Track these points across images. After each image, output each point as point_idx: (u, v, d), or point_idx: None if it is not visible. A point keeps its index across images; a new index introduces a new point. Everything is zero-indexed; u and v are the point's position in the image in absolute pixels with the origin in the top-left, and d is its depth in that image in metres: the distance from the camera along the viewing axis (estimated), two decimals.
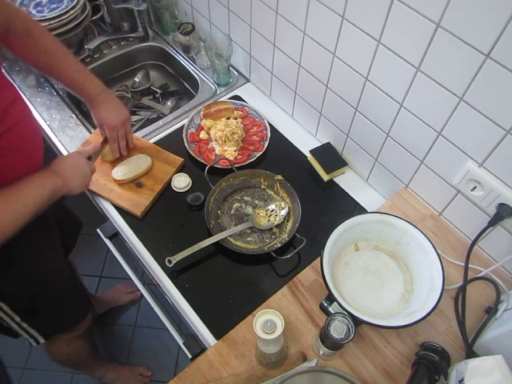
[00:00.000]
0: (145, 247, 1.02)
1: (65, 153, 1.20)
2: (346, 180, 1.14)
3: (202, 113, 1.22)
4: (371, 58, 0.86)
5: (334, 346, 0.75)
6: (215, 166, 1.11)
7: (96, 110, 1.02)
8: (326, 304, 0.86)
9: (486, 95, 0.71)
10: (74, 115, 1.28)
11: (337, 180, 1.14)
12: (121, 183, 1.09)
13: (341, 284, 0.87)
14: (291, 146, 1.20)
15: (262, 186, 1.10)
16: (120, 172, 1.09)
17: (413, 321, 0.74)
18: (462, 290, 0.89)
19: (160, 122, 1.27)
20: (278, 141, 1.21)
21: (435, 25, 0.71)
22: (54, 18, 1.26)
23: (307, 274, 0.92)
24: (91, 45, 1.38)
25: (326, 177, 1.12)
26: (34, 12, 1.29)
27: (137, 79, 1.49)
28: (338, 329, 0.72)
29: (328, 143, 1.17)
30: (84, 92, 1.00)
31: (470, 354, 0.81)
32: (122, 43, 1.49)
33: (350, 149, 1.12)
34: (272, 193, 1.10)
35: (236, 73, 1.38)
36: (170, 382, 0.81)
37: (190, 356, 1.14)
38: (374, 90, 0.91)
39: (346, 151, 1.14)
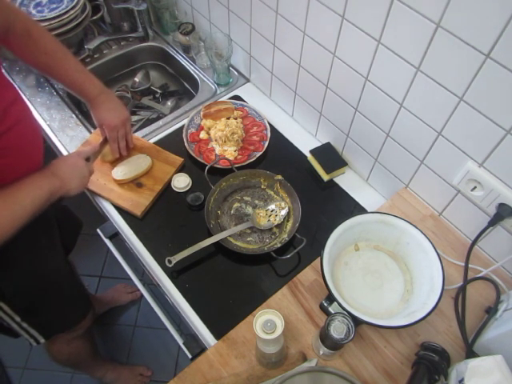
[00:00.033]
0: (145, 247, 1.02)
1: (65, 153, 1.20)
2: (346, 180, 1.14)
3: (202, 113, 1.22)
4: (371, 58, 0.86)
5: (333, 345, 0.75)
6: (215, 165, 1.11)
7: (96, 110, 1.02)
8: (325, 304, 0.86)
9: (486, 95, 0.71)
10: (73, 115, 1.28)
11: (337, 180, 1.14)
12: (121, 183, 1.09)
13: (341, 284, 0.87)
14: (291, 146, 1.20)
15: (262, 186, 1.10)
16: (120, 172, 1.09)
17: (413, 321, 0.74)
18: (462, 290, 0.89)
19: (160, 122, 1.27)
20: (278, 141, 1.21)
21: (435, 25, 0.71)
22: (54, 18, 1.26)
23: (307, 274, 0.92)
24: (91, 45, 1.38)
25: (326, 177, 1.12)
26: (34, 12, 1.29)
27: (137, 79, 1.49)
28: (337, 329, 0.72)
29: (328, 143, 1.17)
30: (84, 92, 1.00)
31: (470, 353, 0.81)
32: (122, 43, 1.49)
33: (350, 149, 1.12)
34: (272, 193, 1.10)
35: (236, 73, 1.38)
36: (170, 382, 0.81)
37: (190, 356, 1.14)
38: (374, 90, 0.91)
39: (345, 151, 1.15)
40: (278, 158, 1.18)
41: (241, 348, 0.84)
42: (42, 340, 1.10)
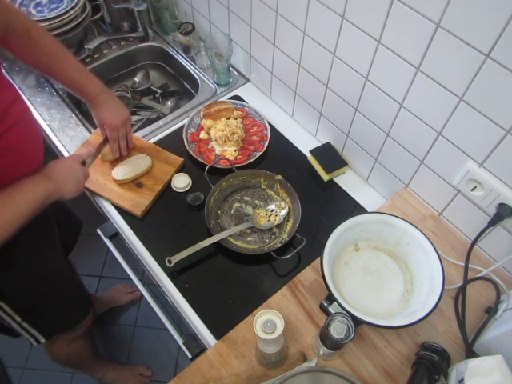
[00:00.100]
0: (145, 247, 1.02)
1: (65, 153, 1.20)
2: (346, 180, 1.14)
3: (202, 113, 1.22)
4: (371, 58, 0.86)
5: (333, 345, 0.75)
6: (215, 165, 1.11)
7: (97, 110, 1.02)
8: (325, 304, 0.86)
9: (486, 95, 0.71)
10: (73, 115, 1.28)
11: (337, 180, 1.14)
12: (121, 183, 1.09)
13: (341, 284, 0.87)
14: (291, 146, 1.20)
15: (262, 186, 1.10)
16: (120, 172, 1.09)
17: (413, 321, 0.74)
18: (462, 290, 0.89)
19: (160, 122, 1.27)
20: (278, 141, 1.21)
21: (435, 25, 0.71)
22: (54, 18, 1.26)
23: (307, 274, 0.92)
24: (91, 45, 1.38)
25: (326, 177, 1.12)
26: (34, 12, 1.29)
27: (137, 79, 1.49)
28: (337, 329, 0.72)
29: (328, 143, 1.17)
30: (84, 92, 1.00)
31: (470, 354, 0.81)
32: (122, 43, 1.49)
33: (349, 149, 1.12)
34: (272, 193, 1.10)
35: (236, 73, 1.38)
36: (170, 382, 0.81)
37: (190, 356, 1.14)
38: (374, 89, 0.91)
39: (345, 151, 1.15)
40: (277, 158, 1.18)
41: (241, 348, 0.84)
42: (43, 340, 1.10)
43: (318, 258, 0.82)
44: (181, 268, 0.98)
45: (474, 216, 0.90)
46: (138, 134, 1.22)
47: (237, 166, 1.11)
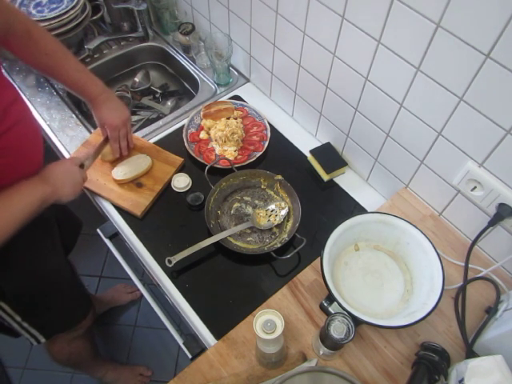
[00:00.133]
0: (145, 247, 1.02)
1: (65, 153, 1.20)
2: (346, 180, 1.14)
3: (202, 113, 1.22)
4: (371, 58, 0.86)
5: (333, 345, 0.75)
6: (215, 165, 1.11)
7: (97, 109, 1.02)
8: (325, 304, 0.86)
9: (486, 95, 0.71)
10: (73, 115, 1.28)
11: (337, 180, 1.14)
12: (121, 183, 1.09)
13: (341, 284, 0.87)
14: (291, 146, 1.21)
15: (262, 186, 1.10)
16: (120, 172, 1.09)
17: (413, 321, 0.74)
18: (462, 290, 0.89)
19: (160, 122, 1.27)
20: (278, 141, 1.21)
21: (435, 25, 0.71)
22: (54, 18, 1.26)
23: (307, 274, 0.92)
24: (91, 45, 1.38)
25: (326, 177, 1.12)
26: (33, 12, 1.29)
27: (137, 79, 1.49)
28: (337, 329, 0.72)
29: (328, 143, 1.17)
30: (85, 92, 1.00)
31: (470, 354, 0.81)
32: (122, 43, 1.49)
33: (349, 149, 1.12)
34: (272, 193, 1.10)
35: (236, 73, 1.38)
36: (170, 382, 0.81)
37: (190, 356, 1.14)
38: (374, 89, 0.91)
39: (345, 151, 1.15)
40: (278, 158, 1.18)
41: (241, 348, 0.84)
42: (43, 339, 1.10)
43: (318, 258, 0.82)
44: (181, 268, 0.98)
45: (473, 216, 0.90)
46: (138, 134, 1.22)
47: (237, 165, 1.11)
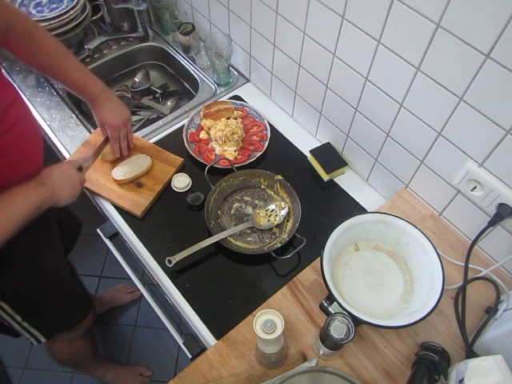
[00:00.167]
0: (145, 247, 1.02)
1: (65, 153, 1.20)
2: (346, 180, 1.14)
3: (202, 113, 1.22)
4: (371, 58, 0.86)
5: (333, 345, 0.75)
6: (215, 165, 1.11)
7: (98, 110, 1.02)
8: (325, 304, 0.86)
9: (486, 95, 0.71)
10: (73, 115, 1.28)
11: (337, 180, 1.14)
12: (121, 183, 1.09)
13: (341, 284, 0.87)
14: (291, 146, 1.20)
15: (262, 186, 1.10)
16: (120, 172, 1.09)
17: (413, 321, 0.74)
18: (462, 290, 0.89)
19: (160, 122, 1.27)
20: (278, 141, 1.21)
21: (435, 25, 0.71)
22: (54, 18, 1.26)
23: (307, 274, 0.92)
24: (91, 45, 1.38)
25: (326, 177, 1.12)
26: (34, 12, 1.29)
27: (137, 79, 1.49)
28: (338, 329, 0.72)
29: (328, 143, 1.17)
30: (85, 92, 1.00)
31: (470, 354, 0.81)
32: (122, 43, 1.49)
33: (349, 149, 1.12)
34: (272, 193, 1.10)
35: (236, 73, 1.38)
36: (170, 382, 0.81)
37: (190, 356, 1.14)
38: (374, 89, 0.91)
39: (345, 151, 1.14)
40: (277, 158, 1.18)
41: (241, 348, 0.84)
42: (43, 339, 1.10)
43: (318, 258, 0.82)
44: (181, 268, 0.98)
45: (473, 216, 0.90)
46: (138, 134, 1.22)
47: (237, 165, 1.11)
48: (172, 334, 1.26)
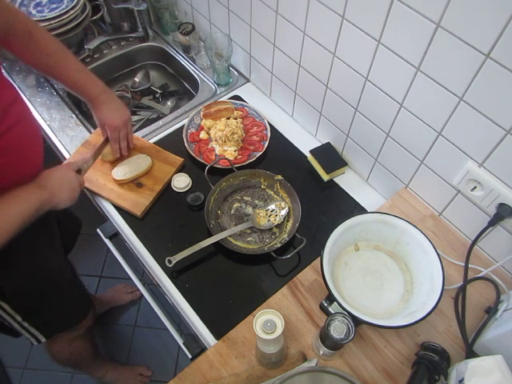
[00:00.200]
0: (145, 247, 1.02)
1: (65, 153, 1.20)
2: (346, 180, 1.14)
3: (202, 113, 1.22)
4: (371, 58, 0.86)
5: (333, 345, 0.75)
6: (215, 165, 1.11)
7: (97, 110, 1.02)
8: (325, 304, 0.86)
9: (486, 95, 0.71)
10: (73, 115, 1.28)
11: (337, 180, 1.14)
12: (121, 183, 1.09)
13: (341, 284, 0.87)
14: (291, 146, 1.20)
15: (262, 186, 1.10)
16: (120, 172, 1.09)
17: (413, 321, 0.74)
18: (462, 290, 0.89)
19: (160, 122, 1.27)
20: (278, 141, 1.21)
21: (435, 25, 0.71)
22: (54, 18, 1.26)
23: (307, 274, 0.92)
24: (91, 45, 1.38)
25: (326, 177, 1.12)
26: (33, 12, 1.29)
27: (137, 79, 1.49)
28: (338, 329, 0.72)
29: (328, 143, 1.17)
30: (85, 92, 1.00)
31: (470, 354, 0.81)
32: (122, 43, 1.49)
33: (349, 149, 1.12)
34: (272, 193, 1.10)
35: (236, 73, 1.38)
36: (170, 382, 0.81)
37: (190, 356, 1.14)
38: (374, 89, 0.91)
39: (345, 151, 1.15)
40: (278, 158, 1.18)
41: (241, 348, 0.84)
42: (43, 339, 1.10)
43: (318, 258, 0.82)
44: (181, 268, 0.98)
45: (474, 216, 0.90)
46: (138, 134, 1.22)
47: (237, 166, 1.11)
48: (172, 334, 1.26)
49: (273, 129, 1.22)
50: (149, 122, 1.42)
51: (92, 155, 1.02)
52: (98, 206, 1.15)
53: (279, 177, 1.07)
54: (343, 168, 1.13)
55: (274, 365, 0.80)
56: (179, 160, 1.14)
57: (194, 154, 1.15)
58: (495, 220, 0.84)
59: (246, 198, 1.09)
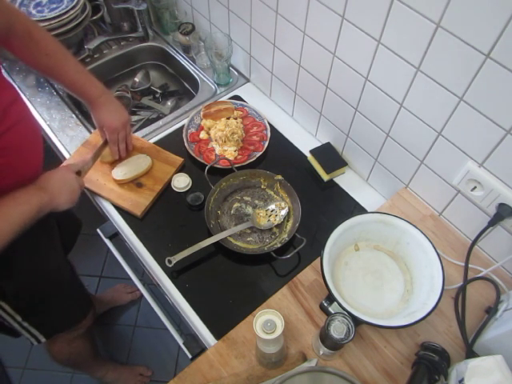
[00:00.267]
0: (145, 247, 1.02)
1: (65, 153, 1.20)
2: (346, 180, 1.14)
3: (202, 113, 1.22)
4: (371, 58, 0.86)
5: (333, 345, 0.75)
6: (215, 165, 1.11)
7: (96, 112, 1.02)
8: (325, 304, 0.86)
9: (486, 95, 0.71)
10: (73, 115, 1.28)
11: (337, 180, 1.14)
12: (121, 183, 1.09)
13: (341, 284, 0.87)
14: (291, 146, 1.20)
15: (262, 186, 1.10)
16: (120, 172, 1.09)
17: (413, 321, 0.74)
18: (462, 290, 0.89)
19: (160, 122, 1.27)
20: (278, 141, 1.21)
21: (435, 25, 0.71)
22: (54, 18, 1.26)
23: (307, 274, 0.92)
24: (91, 45, 1.38)
25: (326, 177, 1.12)
26: (33, 12, 1.29)
27: (137, 79, 1.49)
28: (338, 329, 0.72)
29: (328, 143, 1.17)
30: (84, 94, 1.00)
31: (470, 354, 0.81)
32: (122, 43, 1.49)
33: (349, 149, 1.12)
34: (272, 193, 1.10)
35: (236, 73, 1.38)
36: (170, 382, 0.81)
37: (190, 356, 1.14)
38: (374, 89, 0.91)
39: (345, 151, 1.14)
40: (278, 158, 1.18)
41: (241, 348, 0.84)
42: (43, 339, 1.10)
43: (318, 258, 0.82)
44: (181, 268, 0.98)
45: (473, 216, 0.90)
46: (138, 134, 1.22)
47: (237, 166, 1.11)
48: (172, 334, 1.26)
49: (273, 129, 1.22)
50: (149, 122, 1.41)
51: (91, 157, 1.02)
52: (98, 206, 1.15)
53: (279, 177, 1.07)
54: (343, 168, 1.13)
55: (274, 365, 0.80)
56: (179, 160, 1.14)
57: (193, 154, 1.15)
58: (495, 220, 0.84)
59: (246, 198, 1.09)
